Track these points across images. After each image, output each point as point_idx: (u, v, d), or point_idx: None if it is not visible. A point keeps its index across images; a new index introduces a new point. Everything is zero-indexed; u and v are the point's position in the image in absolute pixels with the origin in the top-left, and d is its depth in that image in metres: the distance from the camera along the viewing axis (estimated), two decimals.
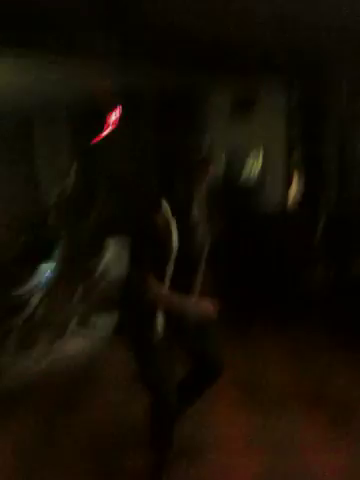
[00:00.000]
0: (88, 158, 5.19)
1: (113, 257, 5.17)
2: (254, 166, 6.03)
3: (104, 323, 5.25)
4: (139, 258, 2.35)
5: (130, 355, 2.43)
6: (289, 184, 5.70)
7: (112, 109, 6.59)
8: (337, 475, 2.73)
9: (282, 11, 4.00)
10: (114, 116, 6.58)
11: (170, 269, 2.29)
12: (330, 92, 5.43)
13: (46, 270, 5.02)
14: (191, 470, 2.75)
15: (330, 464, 2.81)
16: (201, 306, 2.37)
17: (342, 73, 5.31)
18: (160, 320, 2.33)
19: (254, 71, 5.27)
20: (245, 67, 5.12)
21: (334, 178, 5.53)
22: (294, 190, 5.67)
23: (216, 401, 3.26)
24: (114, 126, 6.52)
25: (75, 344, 4.82)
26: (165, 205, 2.31)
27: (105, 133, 6.53)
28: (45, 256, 4.83)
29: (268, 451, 2.94)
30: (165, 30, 4.38)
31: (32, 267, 4.87)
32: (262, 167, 5.95)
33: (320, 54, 5.19)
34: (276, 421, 3.23)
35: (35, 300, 4.42)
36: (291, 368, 4.06)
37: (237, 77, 5.58)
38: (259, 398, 3.51)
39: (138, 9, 3.93)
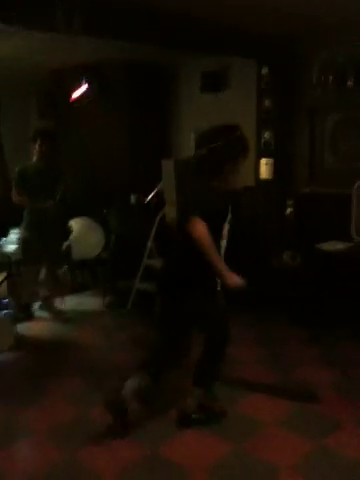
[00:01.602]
0: (53, 137, 4.98)
1: (77, 238, 5.06)
2: None
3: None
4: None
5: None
6: (259, 163, 5.63)
7: (78, 84, 6.39)
8: None
9: None
10: (79, 92, 6.39)
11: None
12: (300, 74, 5.36)
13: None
14: None
15: None
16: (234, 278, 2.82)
17: (313, 56, 5.24)
18: None
19: (223, 49, 5.15)
20: (214, 45, 5.00)
21: (305, 159, 5.49)
22: (264, 169, 5.61)
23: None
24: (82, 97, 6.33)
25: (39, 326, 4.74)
26: None
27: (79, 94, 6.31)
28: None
29: None
30: (133, 4, 4.24)
31: None
32: None
33: (291, 36, 5.11)
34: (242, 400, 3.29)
35: None
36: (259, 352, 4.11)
37: (206, 53, 5.46)
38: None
39: None
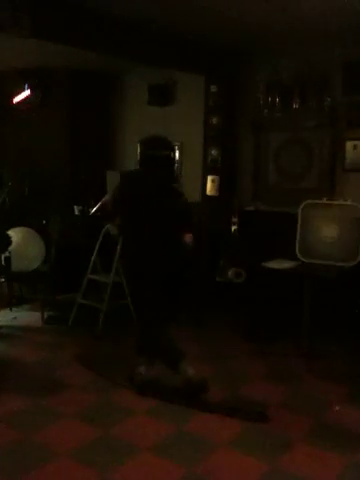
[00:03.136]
0: None
1: (16, 249, 4.79)
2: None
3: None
4: None
5: None
6: (205, 180, 5.63)
7: (20, 89, 6.18)
8: None
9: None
10: (21, 96, 6.17)
11: None
12: (246, 92, 5.44)
13: None
14: None
15: None
16: None
17: (259, 73, 5.34)
18: None
19: (172, 62, 5.14)
20: (163, 56, 4.97)
21: (250, 177, 5.55)
22: (210, 186, 5.61)
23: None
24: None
25: None
26: None
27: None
28: None
29: None
30: (83, 10, 4.14)
31: None
32: (179, 160, 5.86)
33: (238, 53, 5.18)
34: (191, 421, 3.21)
35: None
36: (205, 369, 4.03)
37: (154, 65, 5.42)
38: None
39: None
